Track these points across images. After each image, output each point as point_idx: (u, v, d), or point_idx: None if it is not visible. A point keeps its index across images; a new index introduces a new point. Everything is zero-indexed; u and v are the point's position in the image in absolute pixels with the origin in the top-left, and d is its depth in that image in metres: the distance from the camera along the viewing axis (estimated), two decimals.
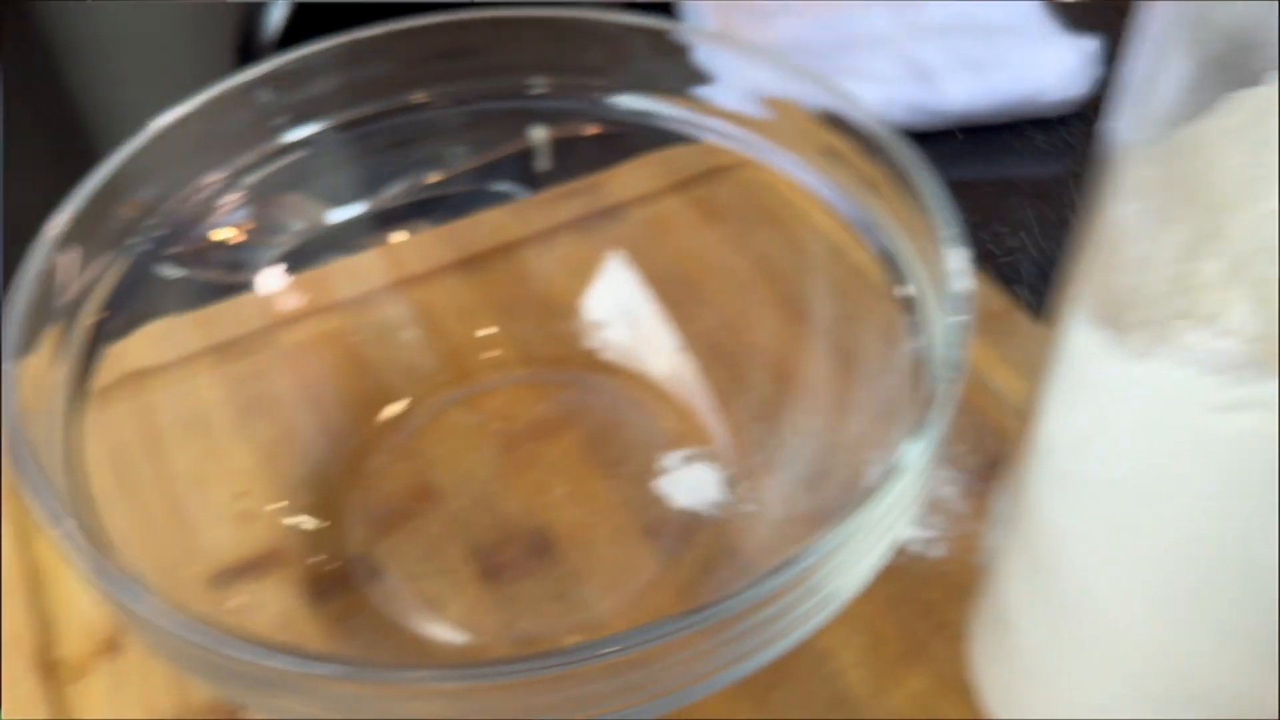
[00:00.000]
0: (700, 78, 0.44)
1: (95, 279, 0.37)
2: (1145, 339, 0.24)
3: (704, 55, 0.44)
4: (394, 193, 0.49)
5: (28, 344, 0.32)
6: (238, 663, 0.26)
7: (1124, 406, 0.25)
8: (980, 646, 0.35)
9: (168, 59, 0.75)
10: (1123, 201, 0.25)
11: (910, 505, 0.30)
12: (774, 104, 0.42)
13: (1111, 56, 0.63)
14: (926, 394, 0.31)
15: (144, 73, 0.74)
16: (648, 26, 0.43)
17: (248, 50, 0.69)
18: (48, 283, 0.34)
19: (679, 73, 0.44)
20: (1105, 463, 0.26)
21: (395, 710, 0.28)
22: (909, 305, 0.35)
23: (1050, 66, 0.62)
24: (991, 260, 0.55)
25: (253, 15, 0.68)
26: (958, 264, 0.31)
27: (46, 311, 0.34)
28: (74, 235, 0.35)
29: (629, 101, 0.44)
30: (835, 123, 0.39)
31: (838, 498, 0.38)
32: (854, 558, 0.29)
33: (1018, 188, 0.62)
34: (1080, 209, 0.27)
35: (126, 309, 0.38)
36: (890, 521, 0.29)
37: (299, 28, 0.69)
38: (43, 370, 0.33)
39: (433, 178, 0.49)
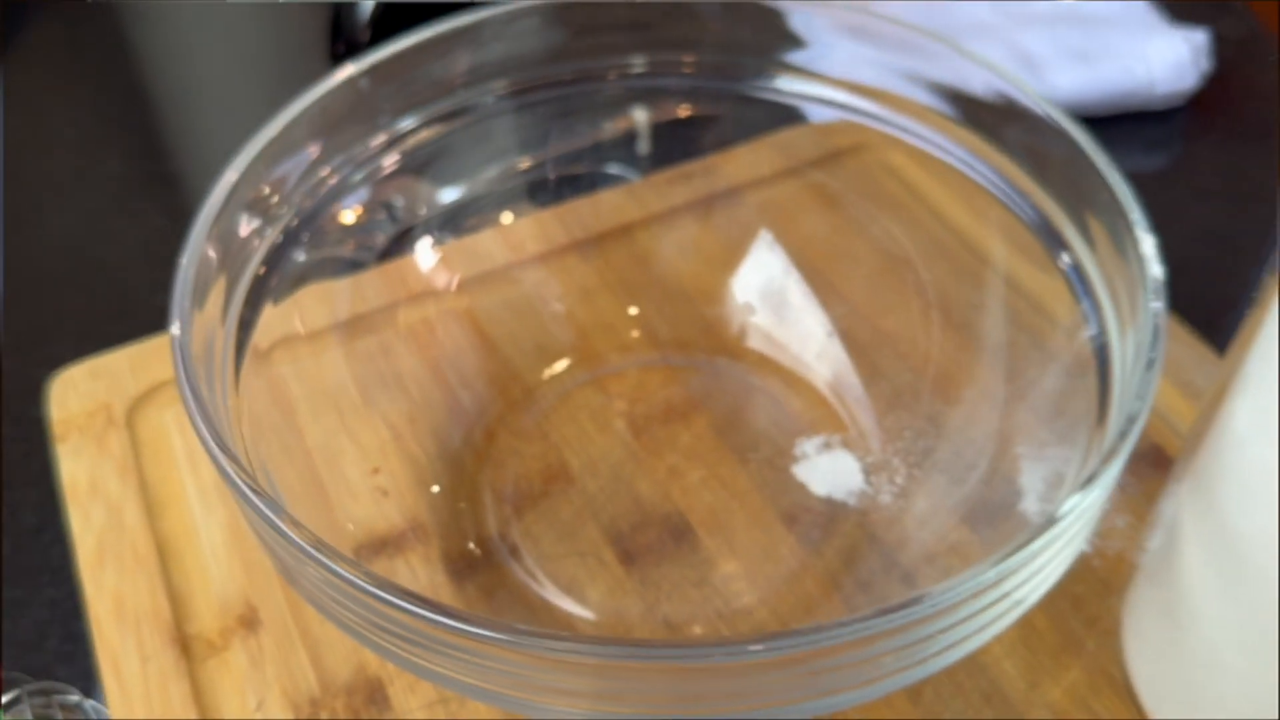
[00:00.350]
0: (823, 51, 0.43)
1: (246, 255, 0.36)
2: None
3: (822, 29, 0.43)
4: (502, 169, 0.48)
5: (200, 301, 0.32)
6: (406, 618, 0.26)
7: None
8: (1140, 644, 0.35)
9: (257, 56, 0.75)
10: None
11: (1097, 516, 0.29)
12: (912, 78, 0.41)
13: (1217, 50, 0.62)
14: (1109, 385, 0.30)
15: (231, 70, 0.73)
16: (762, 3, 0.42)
17: (337, 46, 0.68)
18: (209, 252, 0.33)
19: (793, 46, 0.43)
20: None
21: (547, 681, 0.27)
22: (1076, 291, 0.35)
23: (1160, 58, 0.61)
24: None
25: (342, 13, 0.68)
26: (1148, 248, 0.30)
27: (209, 275, 0.33)
28: (225, 216, 0.35)
29: (744, 78, 0.44)
30: (982, 95, 0.39)
31: (984, 491, 0.38)
32: (1043, 573, 0.28)
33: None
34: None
35: (271, 281, 0.38)
36: (1078, 535, 0.28)
37: (387, 24, 0.69)
38: (209, 329, 0.33)
39: (540, 159, 0.49)
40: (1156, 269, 0.30)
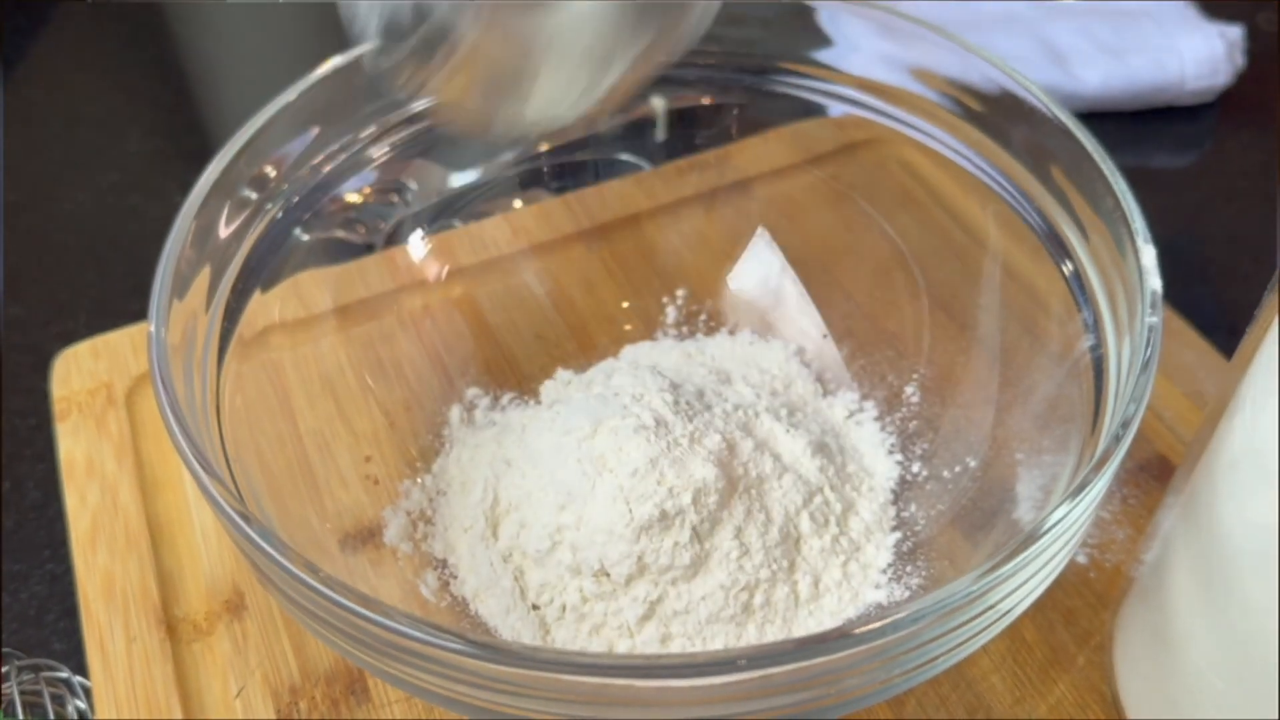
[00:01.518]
0: (843, 47, 0.42)
1: (239, 234, 0.36)
2: None
3: (844, 24, 0.42)
4: (513, 158, 0.48)
5: (180, 290, 0.32)
6: (366, 627, 0.26)
7: None
8: (1130, 662, 0.34)
9: (281, 33, 0.75)
10: None
11: (1087, 522, 0.29)
12: (927, 76, 0.41)
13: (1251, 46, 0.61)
14: (1103, 395, 0.29)
15: (253, 47, 0.73)
16: None
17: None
18: (199, 233, 0.33)
19: (813, 42, 0.42)
20: None
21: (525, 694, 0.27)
22: (1082, 294, 0.34)
23: (1192, 54, 0.59)
24: None
25: None
26: (1148, 260, 0.29)
27: (198, 260, 0.33)
28: (220, 192, 0.35)
29: (763, 70, 0.43)
30: (996, 97, 0.38)
31: (978, 491, 0.37)
32: (1029, 583, 0.27)
33: (1150, 179, 0.59)
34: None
35: (266, 266, 0.38)
36: (1066, 545, 0.28)
37: None
38: (193, 315, 0.33)
39: (551, 144, 0.48)
40: (1155, 282, 0.29)
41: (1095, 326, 0.32)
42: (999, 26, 0.63)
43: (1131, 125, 0.61)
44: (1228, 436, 0.28)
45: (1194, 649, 0.30)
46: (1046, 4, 0.64)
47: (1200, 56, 0.59)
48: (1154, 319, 0.28)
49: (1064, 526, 0.27)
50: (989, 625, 0.28)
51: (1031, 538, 0.26)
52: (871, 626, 0.25)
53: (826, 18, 0.42)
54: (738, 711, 0.27)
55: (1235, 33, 0.60)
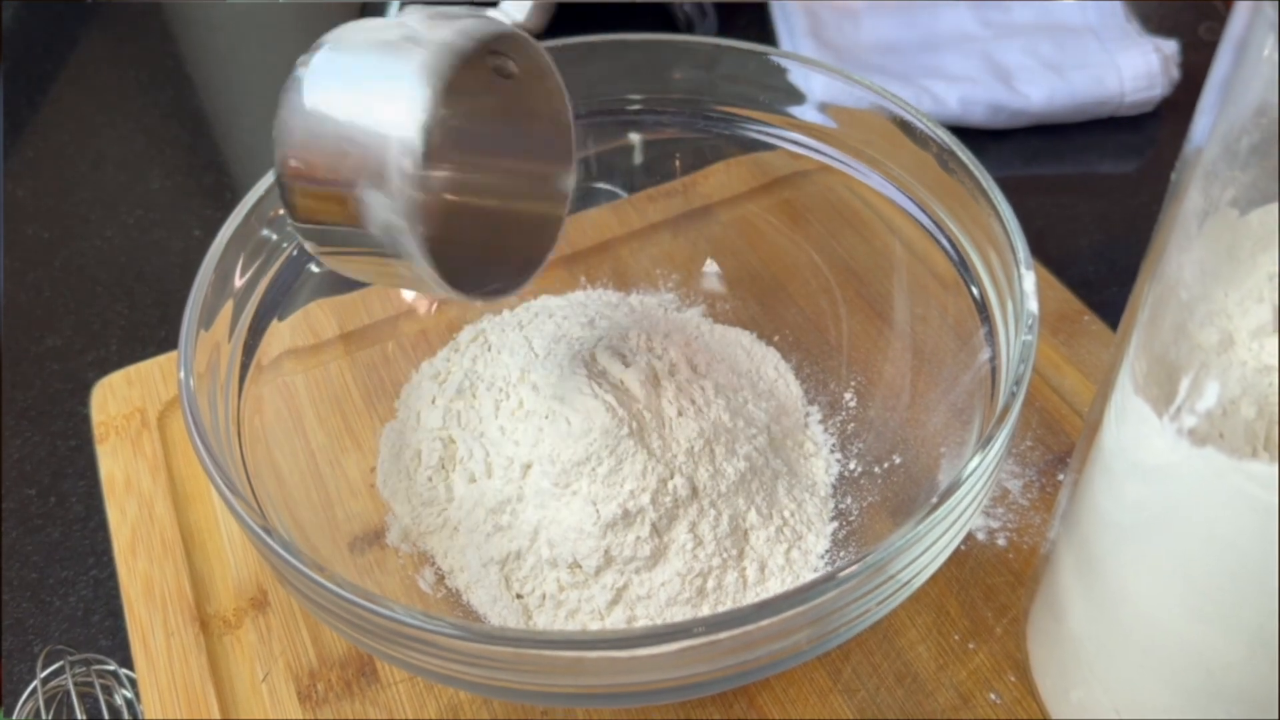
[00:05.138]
0: (782, 92, 0.47)
1: (260, 270, 0.41)
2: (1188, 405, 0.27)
3: (785, 71, 0.47)
4: None
5: (206, 322, 0.37)
6: (373, 619, 0.31)
7: (1164, 456, 0.28)
8: (1035, 631, 0.39)
9: (283, 56, 0.80)
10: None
11: (979, 502, 0.33)
12: (850, 115, 0.45)
13: (1188, 58, 0.65)
14: (995, 400, 0.34)
15: (267, 88, 0.78)
16: (732, 46, 0.46)
17: None
18: (223, 272, 0.39)
19: (763, 87, 0.47)
20: (1148, 498, 0.29)
21: (512, 669, 0.32)
22: (983, 313, 0.39)
23: (1130, 69, 0.64)
24: (1064, 260, 0.57)
25: (367, 15, 0.73)
26: (1029, 285, 0.34)
27: (221, 296, 0.39)
28: (242, 235, 0.40)
29: (717, 114, 0.48)
30: (910, 134, 0.42)
31: (903, 482, 0.42)
32: (929, 552, 0.32)
33: (1094, 186, 0.64)
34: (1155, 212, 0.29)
35: (282, 297, 0.43)
36: (961, 518, 0.33)
37: None
38: (217, 346, 0.38)
39: None
40: (1033, 305, 0.34)
41: (992, 341, 0.37)
42: (952, 47, 0.68)
43: (1077, 135, 0.66)
44: (1099, 437, 0.33)
45: (1072, 618, 0.35)
46: (996, 24, 0.69)
47: (1138, 72, 0.64)
48: (1029, 338, 0.33)
49: (979, 474, 0.32)
50: (919, 572, 0.33)
51: (955, 485, 0.31)
52: (816, 579, 0.30)
53: (774, 70, 0.47)
54: (695, 671, 0.32)
55: (1171, 46, 0.64)
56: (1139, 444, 0.29)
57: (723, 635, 0.30)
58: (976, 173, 0.38)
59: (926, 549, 0.32)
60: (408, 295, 0.49)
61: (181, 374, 0.35)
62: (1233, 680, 0.29)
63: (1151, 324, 0.28)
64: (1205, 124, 0.25)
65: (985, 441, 0.32)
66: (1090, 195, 0.63)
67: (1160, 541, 0.29)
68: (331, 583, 0.31)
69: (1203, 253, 0.26)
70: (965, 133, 0.64)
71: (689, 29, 0.73)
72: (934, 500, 0.31)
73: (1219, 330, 0.26)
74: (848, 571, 0.30)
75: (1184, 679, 0.30)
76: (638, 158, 0.53)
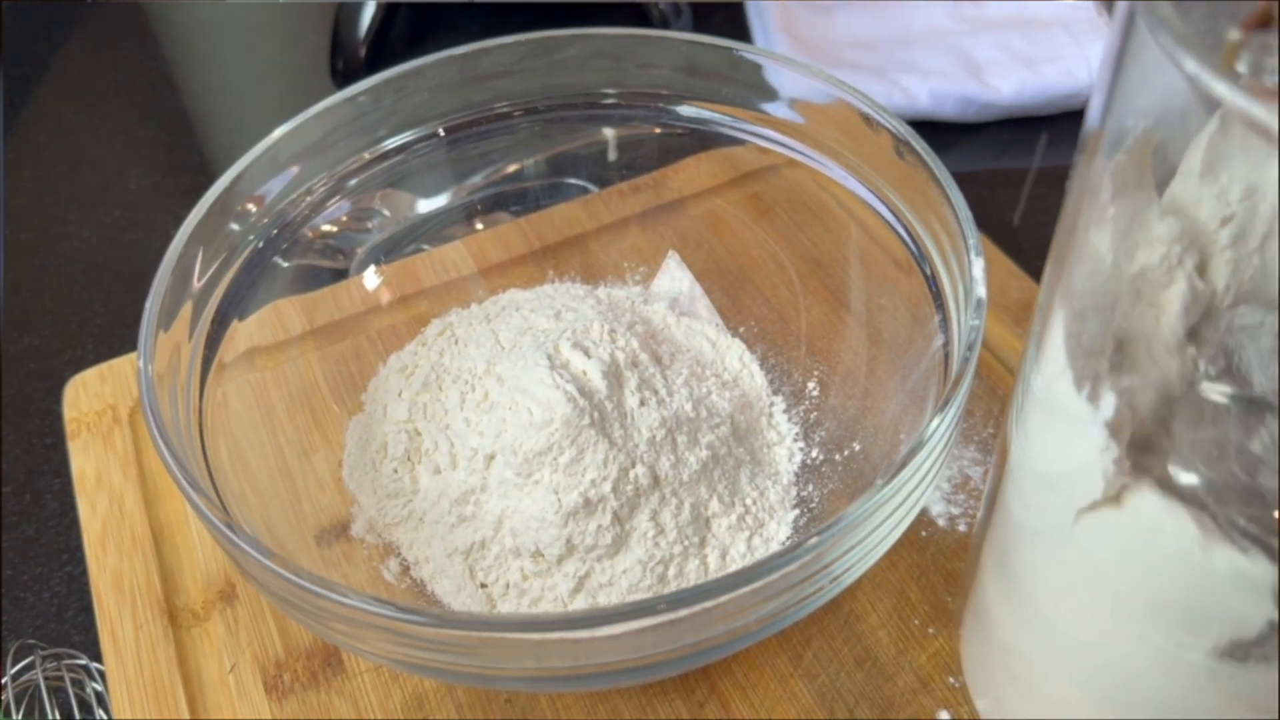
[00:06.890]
0: (752, 87, 0.48)
1: (222, 268, 0.42)
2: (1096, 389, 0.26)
3: (755, 66, 0.48)
4: (475, 183, 0.53)
5: (165, 323, 0.38)
6: (329, 607, 0.31)
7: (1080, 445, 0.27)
8: (966, 630, 0.39)
9: (263, 56, 0.81)
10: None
11: (931, 479, 0.34)
12: (817, 110, 0.46)
13: None
14: (948, 385, 0.34)
15: (240, 91, 0.79)
16: (702, 42, 0.47)
17: (336, 63, 0.74)
18: (182, 271, 0.39)
19: (733, 82, 0.48)
20: (1057, 505, 0.29)
21: (475, 654, 0.33)
22: (937, 300, 0.39)
23: (1100, 61, 0.64)
24: (1034, 252, 0.58)
25: (340, 34, 0.73)
26: (978, 271, 0.35)
27: (181, 295, 0.39)
28: (204, 231, 0.41)
29: (687, 109, 0.48)
30: (871, 127, 0.43)
31: (862, 468, 0.42)
32: (895, 515, 0.33)
33: (1064, 178, 0.64)
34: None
35: (246, 295, 0.43)
36: (925, 479, 0.33)
37: (388, 27, 0.74)
38: (177, 346, 0.39)
39: (509, 170, 0.54)
40: (981, 290, 0.34)
41: (945, 327, 0.37)
42: (924, 42, 0.68)
43: (1047, 127, 0.66)
44: (1010, 447, 0.32)
45: (997, 623, 0.34)
46: (969, 19, 0.69)
47: None
48: (975, 322, 0.33)
49: (939, 435, 0.32)
50: (885, 536, 0.33)
51: (918, 445, 0.31)
52: (787, 546, 0.30)
53: (744, 65, 0.47)
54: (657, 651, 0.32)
55: None
56: (1044, 452, 0.29)
57: (682, 613, 0.30)
58: (930, 163, 0.38)
59: (892, 513, 0.33)
60: (379, 284, 0.49)
61: (141, 368, 0.36)
62: (1148, 684, 0.29)
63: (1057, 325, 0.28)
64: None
65: (943, 404, 0.32)
66: (1060, 187, 0.63)
67: (1068, 546, 0.29)
68: (287, 570, 0.31)
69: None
70: (937, 126, 0.65)
71: (664, 26, 0.74)
72: (899, 461, 0.31)
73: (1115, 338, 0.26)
74: (819, 536, 0.30)
75: (1102, 684, 0.30)
76: (610, 153, 0.53)
